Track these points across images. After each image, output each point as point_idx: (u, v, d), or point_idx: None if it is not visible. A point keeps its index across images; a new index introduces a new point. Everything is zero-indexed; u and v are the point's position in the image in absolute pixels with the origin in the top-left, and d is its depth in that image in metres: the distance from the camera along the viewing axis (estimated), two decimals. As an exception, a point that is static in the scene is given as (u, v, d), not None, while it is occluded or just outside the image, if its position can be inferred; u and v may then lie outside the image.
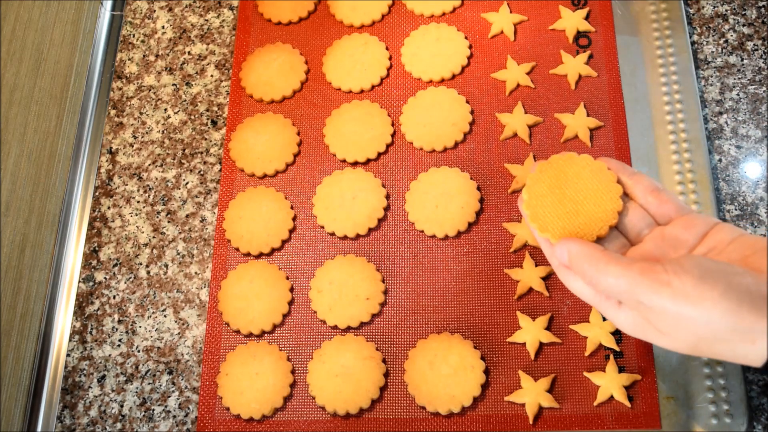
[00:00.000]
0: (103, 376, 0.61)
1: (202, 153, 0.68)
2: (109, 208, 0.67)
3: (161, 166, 0.68)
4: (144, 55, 0.73)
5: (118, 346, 0.62)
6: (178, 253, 0.65)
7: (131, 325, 0.63)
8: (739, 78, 0.66)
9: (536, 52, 0.68)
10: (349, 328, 0.60)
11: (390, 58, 0.69)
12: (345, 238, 0.63)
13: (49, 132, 0.66)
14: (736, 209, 0.62)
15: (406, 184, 0.64)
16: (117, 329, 0.63)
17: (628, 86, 0.66)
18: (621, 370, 0.57)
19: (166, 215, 0.66)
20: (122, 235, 0.66)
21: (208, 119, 0.70)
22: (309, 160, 0.67)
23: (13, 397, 0.60)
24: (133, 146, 0.69)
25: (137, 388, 0.61)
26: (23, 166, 0.62)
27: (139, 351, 0.62)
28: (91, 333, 0.63)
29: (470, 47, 0.69)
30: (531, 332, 0.58)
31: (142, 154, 0.69)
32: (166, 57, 0.73)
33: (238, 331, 0.61)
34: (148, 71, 0.72)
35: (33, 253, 0.63)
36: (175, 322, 0.63)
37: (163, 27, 0.74)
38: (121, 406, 0.60)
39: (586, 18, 0.69)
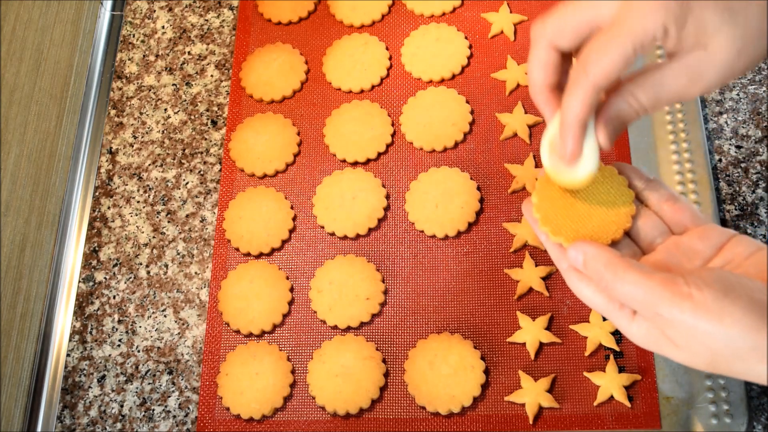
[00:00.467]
0: (103, 376, 0.61)
1: (202, 153, 0.68)
2: (109, 208, 0.67)
3: (161, 166, 0.68)
4: (144, 55, 0.73)
5: (118, 346, 0.62)
6: (178, 253, 0.65)
7: (131, 325, 0.63)
8: (739, 78, 0.66)
9: (536, 52, 0.68)
10: (349, 328, 0.60)
11: (390, 58, 0.69)
12: (345, 238, 0.63)
13: (49, 132, 0.66)
14: (736, 209, 0.62)
15: (406, 184, 0.64)
16: (117, 329, 0.63)
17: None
18: (621, 370, 0.57)
19: (166, 215, 0.66)
20: (122, 235, 0.66)
21: (208, 119, 0.70)
22: (309, 160, 0.67)
23: (13, 397, 0.60)
24: (133, 146, 0.69)
25: (137, 388, 0.61)
26: (23, 166, 0.62)
27: (139, 351, 0.62)
28: (91, 333, 0.63)
29: (470, 47, 0.69)
30: (531, 332, 0.58)
31: (142, 154, 0.69)
32: (166, 57, 0.73)
33: (238, 331, 0.61)
34: (148, 71, 0.72)
35: (33, 253, 0.63)
36: (175, 322, 0.63)
37: (163, 27, 0.74)
38: (121, 406, 0.60)
39: (586, 18, 0.68)
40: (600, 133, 0.41)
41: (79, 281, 0.65)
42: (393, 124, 0.67)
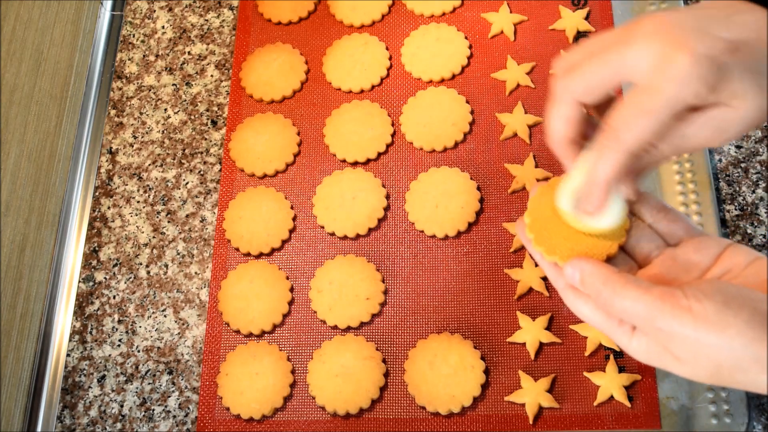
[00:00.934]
0: (103, 376, 0.61)
1: (202, 153, 0.68)
2: (109, 208, 0.67)
3: (161, 166, 0.68)
4: (144, 55, 0.73)
5: (118, 346, 0.62)
6: (178, 253, 0.65)
7: (131, 325, 0.63)
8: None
9: (536, 52, 0.68)
10: (349, 328, 0.60)
11: (390, 58, 0.69)
12: (345, 238, 0.63)
13: (49, 132, 0.66)
14: (736, 209, 0.62)
15: (406, 184, 0.64)
16: (117, 329, 0.63)
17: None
18: (621, 370, 0.57)
19: (166, 215, 0.66)
20: (122, 235, 0.66)
21: (208, 119, 0.70)
22: (309, 160, 0.67)
23: (13, 397, 0.60)
24: (133, 146, 0.69)
25: (137, 388, 0.61)
26: (23, 166, 0.62)
27: (139, 351, 0.62)
28: (91, 333, 0.63)
29: (470, 47, 0.69)
30: (531, 332, 0.58)
31: (142, 154, 0.69)
32: (166, 57, 0.73)
33: (238, 331, 0.61)
34: (148, 71, 0.72)
35: (33, 253, 0.63)
36: (175, 322, 0.63)
37: (163, 27, 0.74)
38: (121, 406, 0.60)
39: (586, 18, 0.69)
40: (626, 187, 0.41)
41: (79, 281, 0.65)
42: (393, 124, 0.67)
